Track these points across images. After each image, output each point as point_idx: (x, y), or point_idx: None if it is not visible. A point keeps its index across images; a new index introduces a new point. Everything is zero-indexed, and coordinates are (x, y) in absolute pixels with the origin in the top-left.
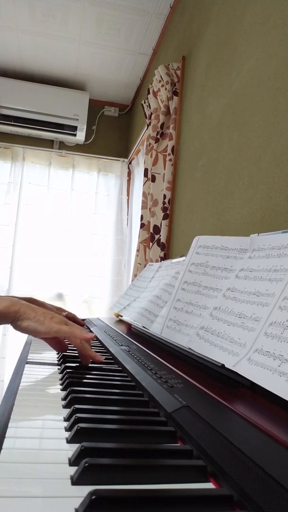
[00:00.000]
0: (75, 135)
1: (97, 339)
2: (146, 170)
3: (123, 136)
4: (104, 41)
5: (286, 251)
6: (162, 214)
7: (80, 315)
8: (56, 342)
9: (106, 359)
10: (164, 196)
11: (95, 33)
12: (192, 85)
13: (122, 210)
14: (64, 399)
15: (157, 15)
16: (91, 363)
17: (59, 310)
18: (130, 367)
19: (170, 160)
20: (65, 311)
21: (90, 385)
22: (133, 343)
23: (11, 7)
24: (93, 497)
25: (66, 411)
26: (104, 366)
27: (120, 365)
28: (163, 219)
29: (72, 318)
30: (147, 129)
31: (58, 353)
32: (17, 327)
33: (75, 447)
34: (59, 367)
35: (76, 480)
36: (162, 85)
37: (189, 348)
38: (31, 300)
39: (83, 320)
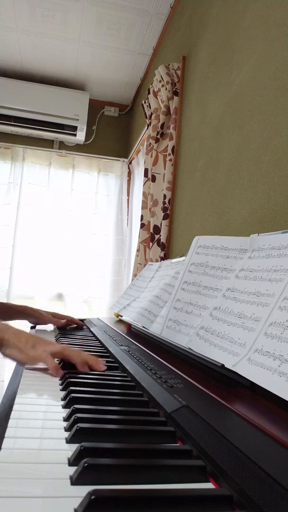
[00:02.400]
0: (75, 135)
1: (97, 339)
2: (146, 170)
3: (123, 136)
4: (104, 41)
5: (286, 251)
6: (162, 214)
7: (80, 315)
8: None
9: (106, 359)
10: (164, 196)
11: (95, 33)
12: (192, 85)
13: (122, 210)
14: (63, 399)
15: (157, 15)
16: None
17: (55, 316)
18: (130, 367)
19: (170, 160)
20: (61, 315)
21: (90, 385)
22: (133, 343)
23: (11, 7)
24: (92, 497)
25: (66, 411)
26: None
27: (120, 365)
28: (163, 219)
29: (70, 321)
30: (147, 129)
31: None
32: (2, 354)
33: (74, 447)
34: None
35: (76, 480)
36: (163, 85)
37: (189, 348)
38: (26, 309)
39: (83, 320)
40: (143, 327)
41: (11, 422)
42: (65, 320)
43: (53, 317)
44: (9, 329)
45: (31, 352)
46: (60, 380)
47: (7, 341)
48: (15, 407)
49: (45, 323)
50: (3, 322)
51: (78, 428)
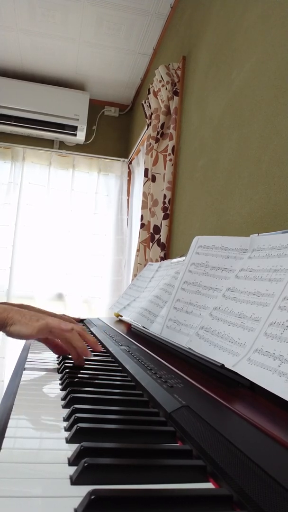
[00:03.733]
0: (75, 135)
1: (97, 339)
2: (146, 170)
3: (123, 136)
4: (104, 41)
5: (286, 251)
6: (162, 214)
7: (80, 315)
8: (55, 346)
9: (106, 359)
10: (164, 196)
11: (95, 33)
12: (192, 85)
13: (122, 210)
14: (63, 399)
15: (157, 15)
16: (91, 361)
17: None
18: (130, 367)
19: (170, 160)
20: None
21: (90, 385)
22: (133, 343)
23: (11, 7)
24: (92, 497)
25: (66, 411)
26: (104, 366)
27: (120, 365)
28: (163, 219)
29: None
30: (147, 129)
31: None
32: (7, 333)
33: (74, 447)
34: (58, 367)
35: (76, 480)
36: (163, 85)
37: (189, 348)
38: (21, 307)
39: (82, 320)
40: (143, 327)
41: (11, 422)
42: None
43: None
44: (12, 308)
45: (36, 323)
46: (60, 380)
47: (11, 319)
48: (15, 407)
49: None
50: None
51: (78, 428)
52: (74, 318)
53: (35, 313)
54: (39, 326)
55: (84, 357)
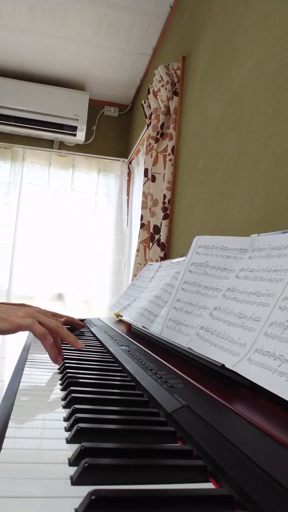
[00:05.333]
0: (75, 135)
1: (97, 339)
2: (146, 170)
3: (123, 136)
4: (104, 41)
5: (286, 251)
6: (162, 214)
7: (80, 315)
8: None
9: (106, 359)
10: (164, 196)
11: (95, 33)
12: (192, 85)
13: (122, 210)
14: (63, 399)
15: (157, 15)
16: (91, 361)
17: (54, 316)
18: (130, 367)
19: (170, 160)
20: (61, 315)
21: (90, 385)
22: (133, 343)
23: (11, 7)
24: (93, 497)
25: (66, 411)
26: (104, 366)
27: (120, 365)
28: (163, 219)
29: (70, 322)
30: (147, 129)
31: None
32: None
33: (75, 447)
34: (58, 367)
35: (76, 480)
36: (162, 85)
37: (189, 348)
38: (23, 306)
39: (83, 320)
40: (143, 327)
41: (11, 422)
42: (64, 319)
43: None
44: None
45: (15, 319)
46: (60, 380)
47: None
48: (15, 407)
49: None
50: None
51: (78, 428)
52: (78, 320)
53: (14, 307)
54: (18, 325)
55: (83, 358)
